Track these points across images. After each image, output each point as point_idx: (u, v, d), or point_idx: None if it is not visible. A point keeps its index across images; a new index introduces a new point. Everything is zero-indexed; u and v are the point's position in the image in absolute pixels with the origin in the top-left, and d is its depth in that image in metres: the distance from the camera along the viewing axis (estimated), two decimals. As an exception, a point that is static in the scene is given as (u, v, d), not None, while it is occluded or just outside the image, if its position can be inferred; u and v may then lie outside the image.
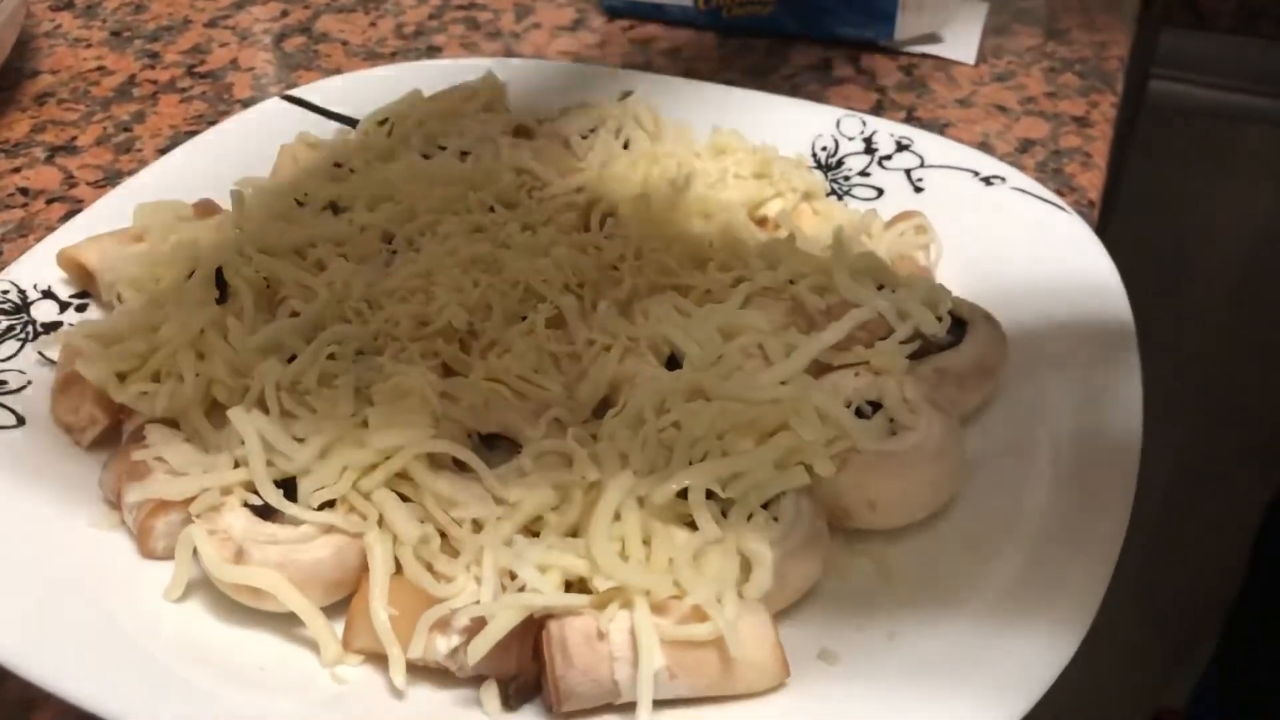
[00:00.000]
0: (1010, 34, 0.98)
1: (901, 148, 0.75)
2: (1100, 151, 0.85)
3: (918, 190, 0.73)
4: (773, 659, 0.45)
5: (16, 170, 0.82)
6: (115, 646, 0.48)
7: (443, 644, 0.46)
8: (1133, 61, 0.99)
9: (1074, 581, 0.49)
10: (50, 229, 0.75)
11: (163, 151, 0.83)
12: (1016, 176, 0.73)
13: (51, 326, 0.62)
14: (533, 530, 0.50)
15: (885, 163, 0.75)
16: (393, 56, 0.95)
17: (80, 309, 0.64)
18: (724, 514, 0.49)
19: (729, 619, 0.44)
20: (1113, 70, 0.94)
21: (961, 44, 0.95)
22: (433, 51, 0.96)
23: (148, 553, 0.52)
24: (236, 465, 0.51)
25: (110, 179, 0.81)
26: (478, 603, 0.46)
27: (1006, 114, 0.88)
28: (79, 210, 0.76)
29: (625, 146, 0.71)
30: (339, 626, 0.49)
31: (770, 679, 0.45)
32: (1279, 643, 1.08)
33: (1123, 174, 1.17)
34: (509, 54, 0.95)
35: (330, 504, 0.50)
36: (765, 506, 0.49)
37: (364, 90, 0.81)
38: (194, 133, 0.84)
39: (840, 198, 0.73)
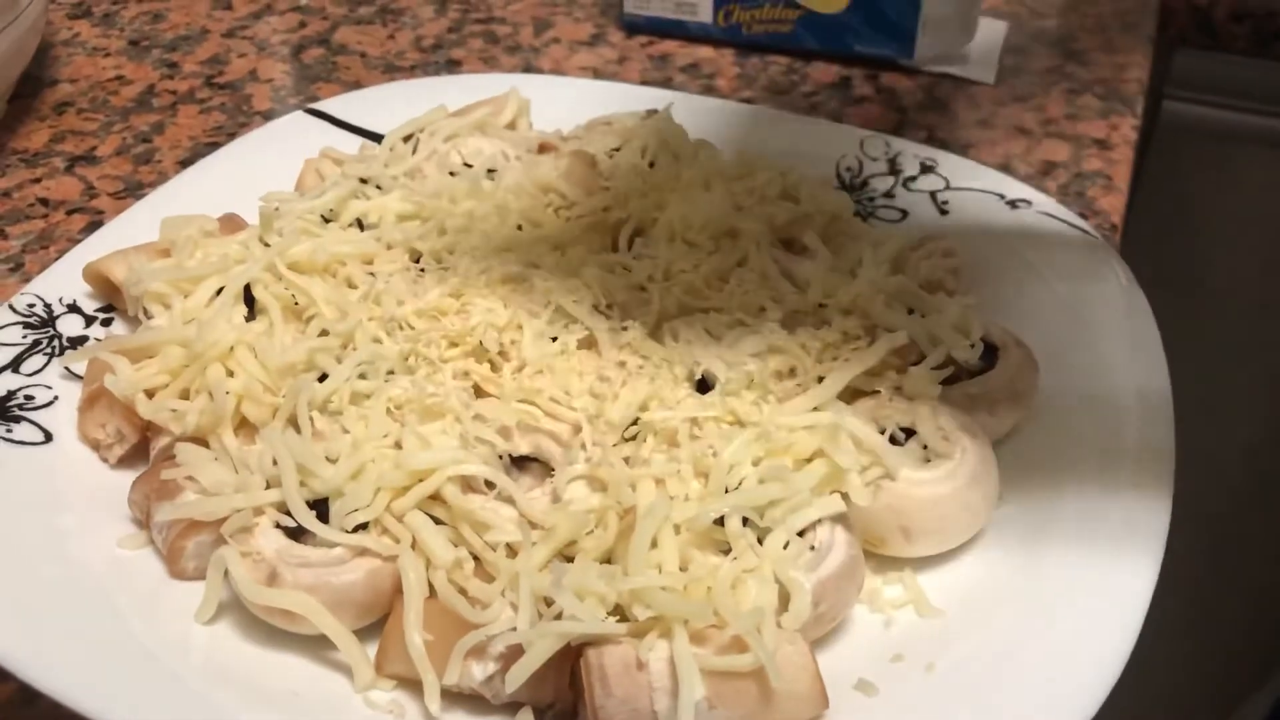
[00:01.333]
0: (1029, 54, 0.98)
1: (926, 169, 0.75)
2: (1122, 175, 0.85)
3: (943, 213, 0.73)
4: (813, 690, 0.44)
5: (37, 180, 0.81)
6: (144, 669, 0.48)
7: (478, 670, 0.46)
8: (1148, 82, 0.99)
9: (1112, 610, 0.48)
10: (71, 240, 0.75)
11: (183, 163, 0.83)
12: (1043, 200, 0.73)
13: (77, 341, 0.62)
14: (567, 555, 0.49)
15: (910, 184, 0.75)
16: (411, 70, 0.95)
17: (106, 323, 0.64)
18: (759, 541, 0.49)
19: (769, 649, 0.44)
20: (1132, 93, 0.94)
21: (981, 64, 0.96)
22: (452, 65, 0.96)
23: (177, 573, 0.52)
24: (269, 485, 0.51)
25: (130, 190, 0.80)
26: (514, 629, 0.45)
27: (1028, 136, 0.88)
28: (100, 221, 0.76)
29: (651, 165, 0.70)
30: (372, 650, 0.49)
31: (810, 710, 0.45)
32: None
33: (1137, 194, 1.17)
34: (528, 68, 0.95)
35: (363, 526, 0.50)
36: (801, 534, 0.49)
37: (386, 104, 0.81)
38: (214, 144, 0.84)
39: (865, 219, 0.73)
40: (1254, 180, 1.26)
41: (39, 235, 0.76)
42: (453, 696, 0.47)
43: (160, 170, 0.83)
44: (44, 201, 0.79)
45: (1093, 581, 0.50)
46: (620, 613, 0.46)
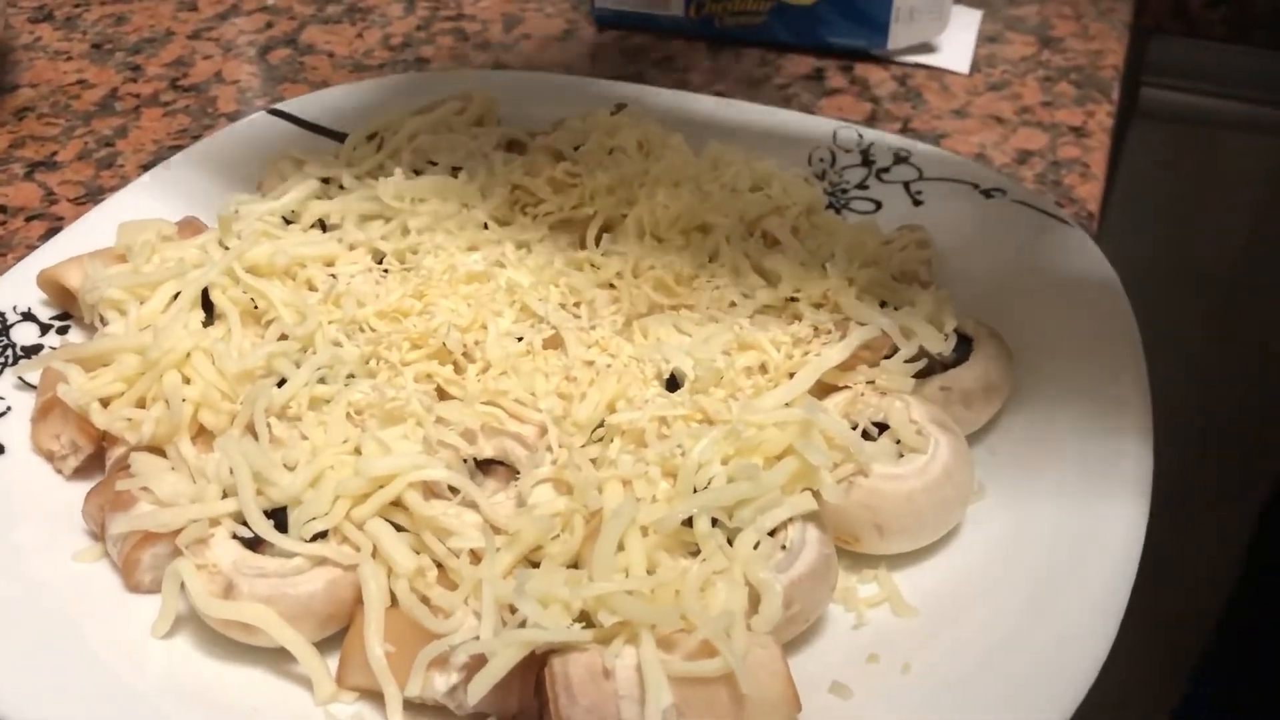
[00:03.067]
0: (1004, 43, 0.97)
1: (900, 160, 0.74)
2: (1098, 162, 0.84)
3: (917, 203, 0.72)
4: (784, 694, 0.43)
5: (-6, 187, 0.80)
6: (100, 685, 0.46)
7: (441, 682, 0.45)
8: (1125, 69, 0.98)
9: (1091, 605, 0.47)
10: (30, 247, 0.73)
11: (145, 167, 0.81)
12: (1017, 189, 0.71)
13: (32, 350, 0.60)
14: (532, 560, 0.48)
15: (883, 175, 0.74)
16: (380, 69, 0.94)
17: (61, 331, 0.62)
18: (729, 542, 0.48)
19: (738, 653, 0.42)
20: (1108, 79, 0.93)
21: (955, 53, 0.95)
22: (421, 63, 0.95)
23: (133, 586, 0.50)
24: (225, 495, 0.50)
25: (92, 195, 0.79)
26: (477, 638, 0.44)
27: (1003, 124, 0.87)
28: (59, 228, 0.74)
29: (619, 161, 0.69)
30: (333, 663, 0.48)
31: (782, 715, 0.44)
32: (1273, 648, 1.07)
33: (1114, 181, 1.17)
34: (499, 66, 0.94)
35: (322, 535, 0.49)
36: (772, 534, 0.48)
37: (352, 103, 0.79)
38: (178, 147, 0.82)
39: (838, 211, 0.72)
40: (1232, 166, 1.26)
41: (-3, 243, 0.75)
42: (416, 708, 0.46)
43: (123, 175, 0.81)
44: (2, 209, 0.78)
45: (1072, 577, 0.49)
46: (586, 619, 0.45)
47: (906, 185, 0.73)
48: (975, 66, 0.94)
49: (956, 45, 0.95)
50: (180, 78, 0.93)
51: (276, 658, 0.48)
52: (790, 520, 0.48)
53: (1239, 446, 1.29)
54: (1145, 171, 1.24)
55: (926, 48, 0.94)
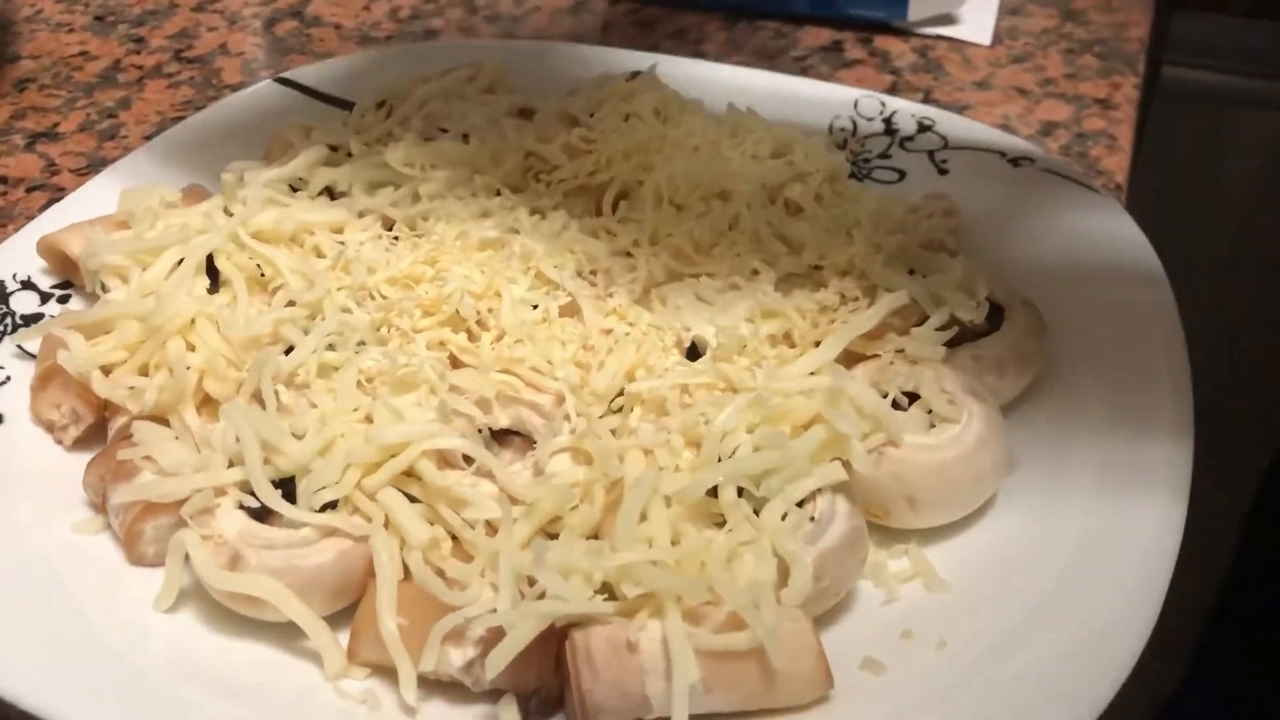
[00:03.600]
0: (1025, 15, 0.95)
1: (924, 128, 0.72)
2: (1125, 134, 0.82)
3: (942, 172, 0.70)
4: (815, 669, 0.41)
5: (-5, 158, 0.78)
6: (101, 662, 0.45)
7: (457, 656, 0.43)
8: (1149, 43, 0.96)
9: (1131, 582, 0.45)
10: (31, 218, 0.71)
11: (149, 138, 0.79)
12: (1046, 157, 0.69)
13: (32, 319, 0.59)
14: (550, 532, 0.46)
15: (907, 144, 0.72)
16: (388, 41, 0.92)
17: (62, 300, 0.60)
18: (756, 513, 0.46)
19: (768, 626, 0.41)
20: (1133, 51, 0.91)
21: (976, 25, 0.92)
22: (429, 35, 0.92)
23: (136, 559, 0.49)
24: (231, 464, 0.48)
25: (94, 166, 0.77)
26: (495, 611, 0.42)
27: (1026, 96, 0.85)
28: (61, 199, 0.73)
29: (635, 126, 0.67)
30: (343, 637, 0.46)
31: (813, 691, 0.42)
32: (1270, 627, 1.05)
33: (1136, 159, 1.15)
34: (508, 37, 0.92)
35: (332, 505, 0.47)
36: (800, 505, 0.46)
37: (360, 73, 0.77)
38: (181, 118, 0.80)
39: (860, 181, 0.70)
40: (1256, 145, 1.23)
41: (-3, 213, 0.73)
42: (430, 684, 0.44)
43: (126, 146, 0.79)
44: (2, 179, 0.76)
45: (1112, 550, 0.47)
46: (608, 591, 0.43)
47: (931, 154, 0.71)
48: (997, 38, 0.92)
49: (977, 17, 0.93)
50: (184, 49, 0.91)
51: (285, 633, 0.46)
52: (819, 491, 0.47)
53: (1237, 430, 1.27)
54: (1168, 150, 1.22)
55: (947, 19, 0.92)
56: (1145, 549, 0.47)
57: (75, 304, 0.60)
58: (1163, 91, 1.21)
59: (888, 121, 0.73)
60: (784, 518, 0.45)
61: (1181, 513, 0.48)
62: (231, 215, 0.59)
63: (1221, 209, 1.29)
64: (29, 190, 0.75)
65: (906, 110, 0.73)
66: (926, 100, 0.84)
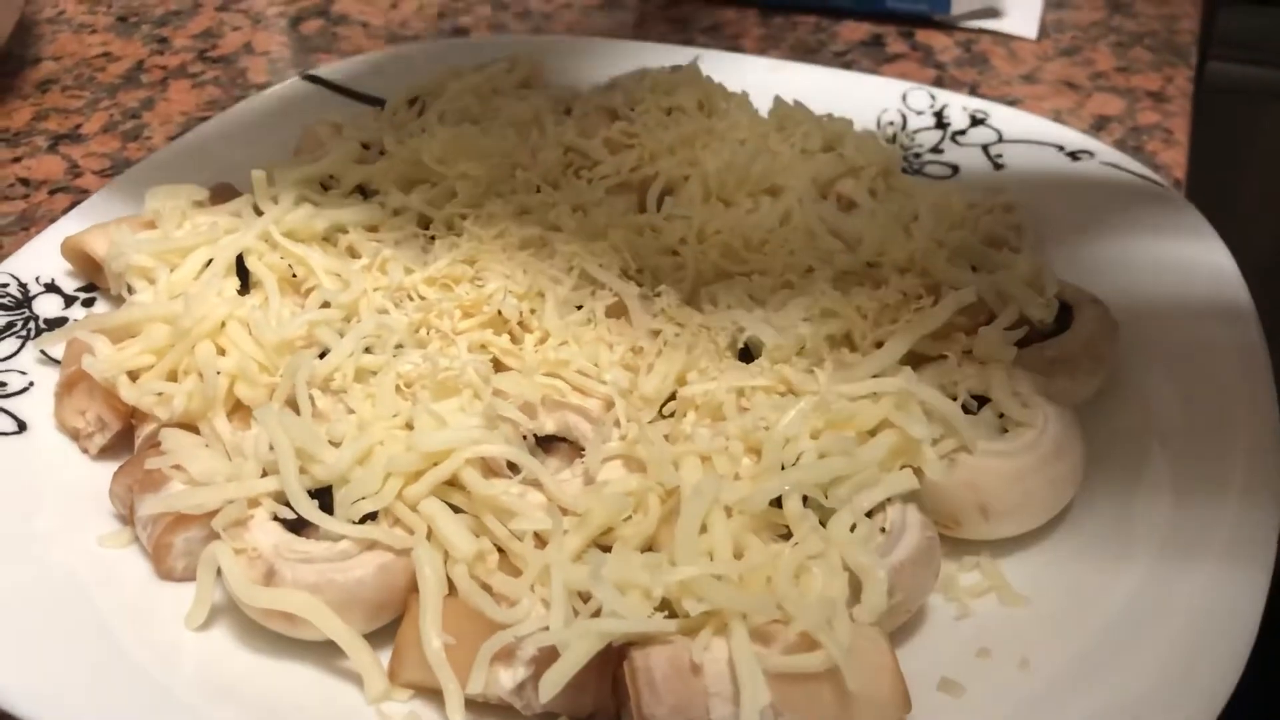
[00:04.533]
0: (1072, 7, 0.92)
1: (976, 122, 0.69)
2: (1181, 128, 0.79)
3: (998, 167, 0.67)
4: (894, 691, 0.38)
5: (17, 160, 0.76)
6: (129, 682, 0.42)
7: (507, 677, 0.40)
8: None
9: (1225, 595, 0.42)
10: (54, 221, 0.69)
11: (174, 139, 0.77)
12: (1106, 151, 0.67)
13: (55, 323, 0.56)
14: (603, 545, 0.44)
15: (959, 138, 0.69)
16: (416, 39, 0.90)
17: (87, 303, 0.58)
18: (821, 524, 0.43)
19: (844, 646, 0.38)
20: (1185, 43, 0.88)
21: (1021, 18, 0.90)
22: (459, 33, 0.90)
23: (165, 574, 0.46)
24: (265, 473, 0.45)
25: (118, 168, 0.75)
26: (547, 629, 0.40)
27: (1077, 90, 0.82)
28: (84, 201, 0.71)
29: (678, 120, 0.64)
30: (385, 656, 0.43)
31: (890, 714, 0.39)
32: None
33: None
34: (539, 33, 0.90)
35: (372, 516, 0.44)
36: (869, 515, 0.43)
37: (390, 70, 0.75)
38: (207, 119, 0.78)
39: (912, 176, 0.67)
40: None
41: (19, 216, 0.71)
42: (478, 707, 0.42)
43: (150, 147, 0.77)
44: (24, 181, 0.74)
45: (1197, 561, 0.44)
46: (668, 608, 0.40)
47: (985, 148, 0.68)
48: (1043, 31, 0.89)
49: (1023, 10, 0.90)
50: (209, 49, 0.89)
51: (323, 652, 0.44)
52: (889, 500, 0.44)
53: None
54: (1215, 147, 1.18)
55: (991, 12, 0.89)
56: (1235, 556, 0.44)
57: (100, 307, 0.58)
58: (1209, 87, 1.18)
59: (939, 115, 0.70)
60: (853, 529, 0.42)
61: (1274, 522, 0.45)
62: (262, 214, 0.56)
63: (1265, 206, 1.25)
64: (51, 192, 0.73)
65: (958, 103, 0.71)
66: (974, 95, 0.81)
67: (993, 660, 0.42)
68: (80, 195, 0.72)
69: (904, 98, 0.71)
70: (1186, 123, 0.80)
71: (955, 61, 0.86)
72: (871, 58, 0.86)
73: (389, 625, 0.44)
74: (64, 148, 0.77)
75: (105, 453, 0.51)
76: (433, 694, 0.42)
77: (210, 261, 0.54)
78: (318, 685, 0.43)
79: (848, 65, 0.85)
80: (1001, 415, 0.48)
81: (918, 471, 0.44)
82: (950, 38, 0.88)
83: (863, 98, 0.72)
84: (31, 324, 0.56)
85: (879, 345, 0.50)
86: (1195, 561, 0.44)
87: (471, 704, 0.41)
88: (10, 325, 0.56)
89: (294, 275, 0.54)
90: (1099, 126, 0.78)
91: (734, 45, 0.88)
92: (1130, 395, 0.53)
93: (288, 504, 0.44)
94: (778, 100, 0.65)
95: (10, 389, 0.53)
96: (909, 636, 0.44)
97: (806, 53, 0.87)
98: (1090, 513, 0.48)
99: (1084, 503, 0.49)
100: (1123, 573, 0.45)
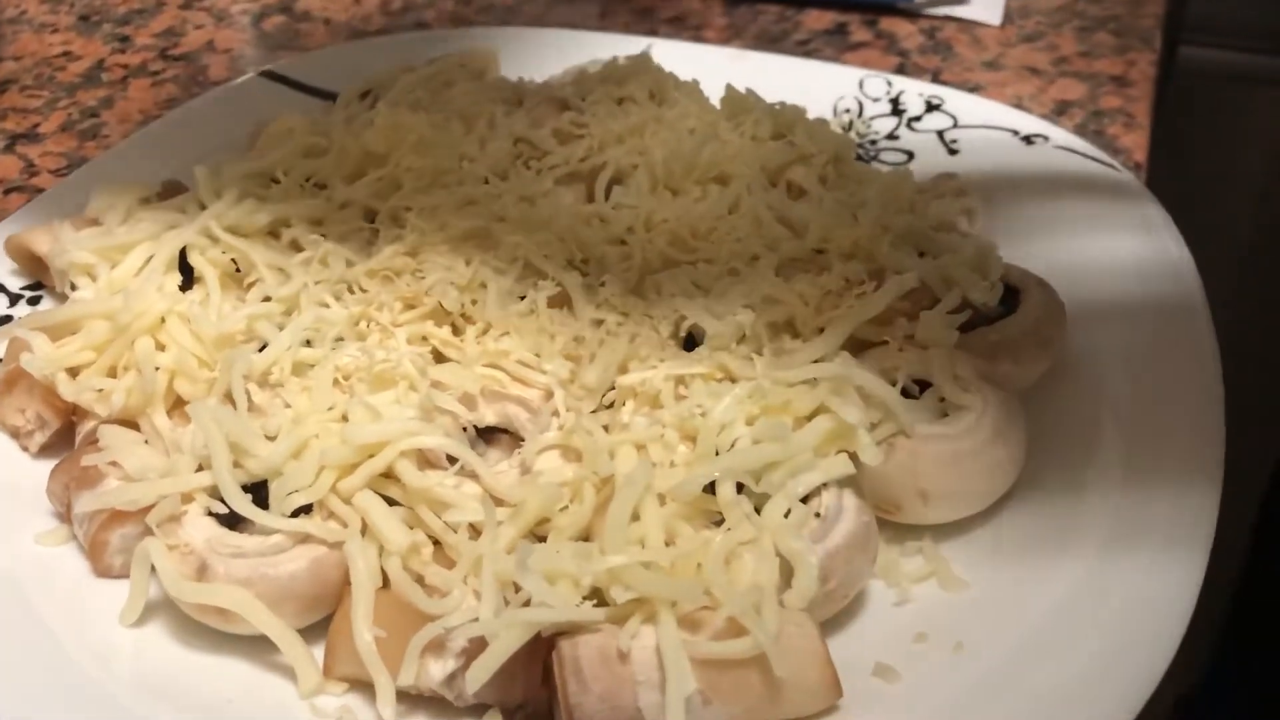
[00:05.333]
0: (1036, -7, 0.92)
1: (932, 108, 0.69)
2: (1143, 111, 0.79)
3: (952, 152, 0.67)
4: (822, 678, 0.38)
5: (-28, 160, 0.75)
6: (65, 679, 0.42)
7: (437, 669, 0.40)
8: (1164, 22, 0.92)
9: (1162, 580, 0.42)
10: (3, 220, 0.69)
11: (130, 136, 0.77)
12: (1061, 135, 0.66)
13: (0, 321, 0.56)
14: (539, 535, 0.43)
15: (915, 124, 0.69)
16: (379, 35, 0.89)
17: (33, 301, 0.58)
18: (757, 510, 0.43)
19: (770, 632, 0.37)
20: (1149, 27, 0.87)
21: (985, 5, 0.89)
22: (421, 28, 0.90)
23: (102, 570, 0.46)
24: (200, 469, 0.45)
25: (75, 166, 0.74)
26: (477, 620, 0.39)
27: (1039, 75, 0.82)
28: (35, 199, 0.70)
29: (627, 110, 0.64)
30: (318, 651, 0.43)
31: (820, 701, 0.39)
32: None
33: (1153, 140, 1.11)
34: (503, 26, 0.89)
35: (306, 509, 0.44)
36: (804, 501, 0.43)
37: (347, 65, 0.75)
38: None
39: (867, 163, 0.67)
40: (1275, 124, 1.20)
41: (-27, 216, 0.70)
42: (411, 699, 0.41)
43: (107, 146, 0.77)
44: (-21, 181, 0.74)
45: (1140, 546, 0.44)
46: (598, 597, 0.40)
47: (940, 134, 0.68)
48: (1007, 18, 0.88)
49: (986, -4, 0.90)
50: (170, 47, 0.88)
51: (256, 646, 0.43)
52: (824, 486, 0.44)
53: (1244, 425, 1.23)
54: (1186, 131, 1.18)
55: (955, -1, 0.89)
56: (1175, 543, 0.43)
57: (46, 305, 0.58)
58: (1181, 71, 1.18)
59: (894, 101, 0.70)
60: (787, 515, 0.42)
61: (1214, 503, 0.45)
62: (205, 208, 0.56)
63: (1238, 191, 1.25)
64: (6, 192, 0.73)
65: (914, 89, 0.70)
66: (935, 82, 0.81)
67: (929, 644, 0.42)
68: (35, 194, 0.72)
69: (860, 85, 0.71)
70: (1148, 106, 0.80)
71: (919, 49, 0.85)
72: (835, 46, 0.86)
73: (323, 619, 0.44)
74: (21, 147, 0.77)
75: (45, 450, 0.51)
76: (367, 687, 0.42)
77: (151, 258, 0.53)
78: (252, 680, 0.43)
79: (811, 54, 0.85)
80: (943, 400, 0.47)
81: (854, 457, 0.44)
82: (914, 25, 0.88)
83: (819, 86, 0.72)
84: (-24, 323, 0.56)
85: (821, 331, 0.50)
86: (1137, 547, 0.44)
87: (404, 696, 0.41)
88: (-47, 324, 0.55)
89: (237, 270, 0.54)
90: (1060, 111, 0.78)
91: (697, 35, 0.88)
92: (1079, 381, 0.53)
93: (222, 499, 0.44)
94: (729, 88, 0.65)
95: (-49, 388, 0.52)
96: (847, 622, 0.44)
97: (770, 42, 0.87)
98: (1037, 498, 0.48)
99: (1030, 488, 0.48)
100: (1066, 558, 0.45)
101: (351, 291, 0.52)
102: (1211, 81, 1.20)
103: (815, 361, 0.47)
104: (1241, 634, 1.06)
